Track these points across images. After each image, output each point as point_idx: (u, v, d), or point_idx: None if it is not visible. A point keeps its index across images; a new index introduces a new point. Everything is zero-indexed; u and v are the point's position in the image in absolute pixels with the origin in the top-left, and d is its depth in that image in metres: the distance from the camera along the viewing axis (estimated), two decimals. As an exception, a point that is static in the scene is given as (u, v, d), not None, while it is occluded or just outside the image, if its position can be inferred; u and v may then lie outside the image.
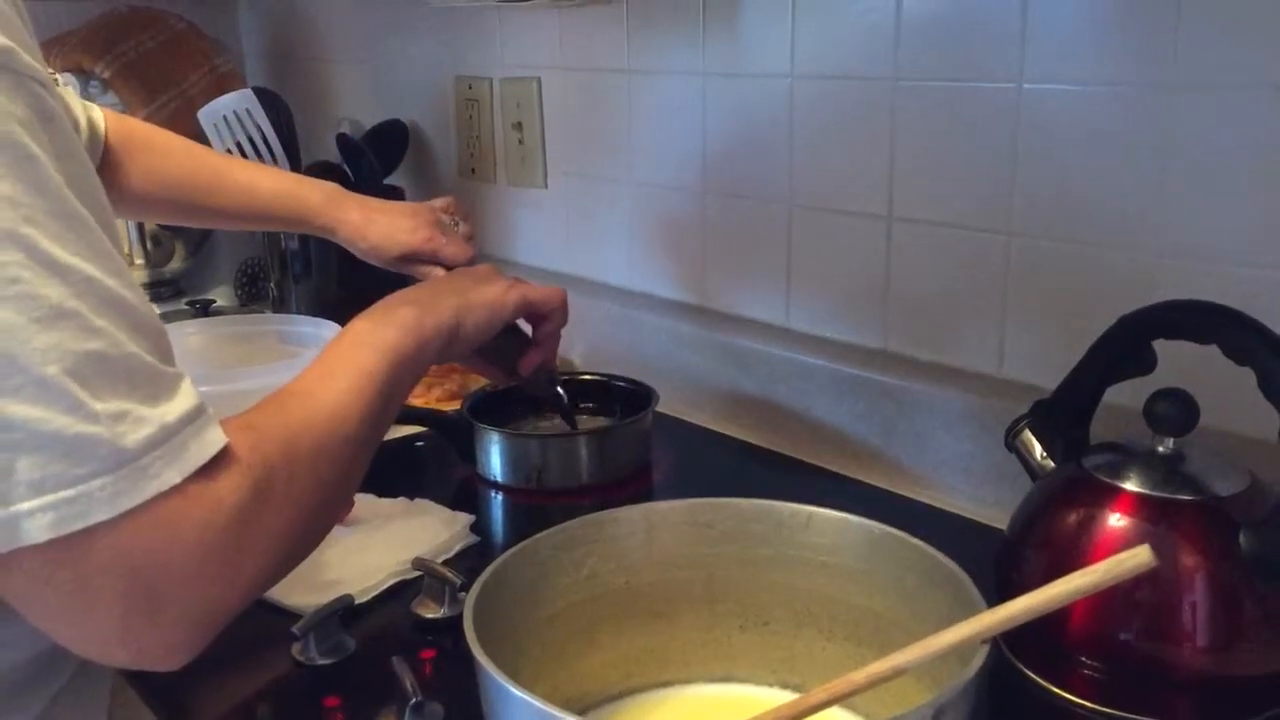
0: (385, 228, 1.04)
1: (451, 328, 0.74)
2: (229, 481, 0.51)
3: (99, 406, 0.47)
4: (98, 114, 0.99)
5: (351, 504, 0.92)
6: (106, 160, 0.99)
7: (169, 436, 0.49)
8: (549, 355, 0.92)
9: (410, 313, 0.71)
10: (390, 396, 0.66)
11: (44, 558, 0.46)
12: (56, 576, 0.47)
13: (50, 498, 0.45)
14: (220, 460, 0.51)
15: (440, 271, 1.05)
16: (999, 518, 0.88)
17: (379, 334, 0.68)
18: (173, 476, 0.48)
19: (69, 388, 0.46)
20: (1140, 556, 0.49)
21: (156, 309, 0.54)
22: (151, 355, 0.50)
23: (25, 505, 0.45)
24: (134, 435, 0.47)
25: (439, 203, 1.10)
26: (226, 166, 1.08)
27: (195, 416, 0.51)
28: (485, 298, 0.79)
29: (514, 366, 0.91)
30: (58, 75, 0.94)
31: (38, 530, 0.45)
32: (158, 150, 1.04)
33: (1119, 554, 0.49)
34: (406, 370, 0.68)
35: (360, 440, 0.62)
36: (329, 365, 0.64)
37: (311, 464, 0.57)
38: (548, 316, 0.88)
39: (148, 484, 0.47)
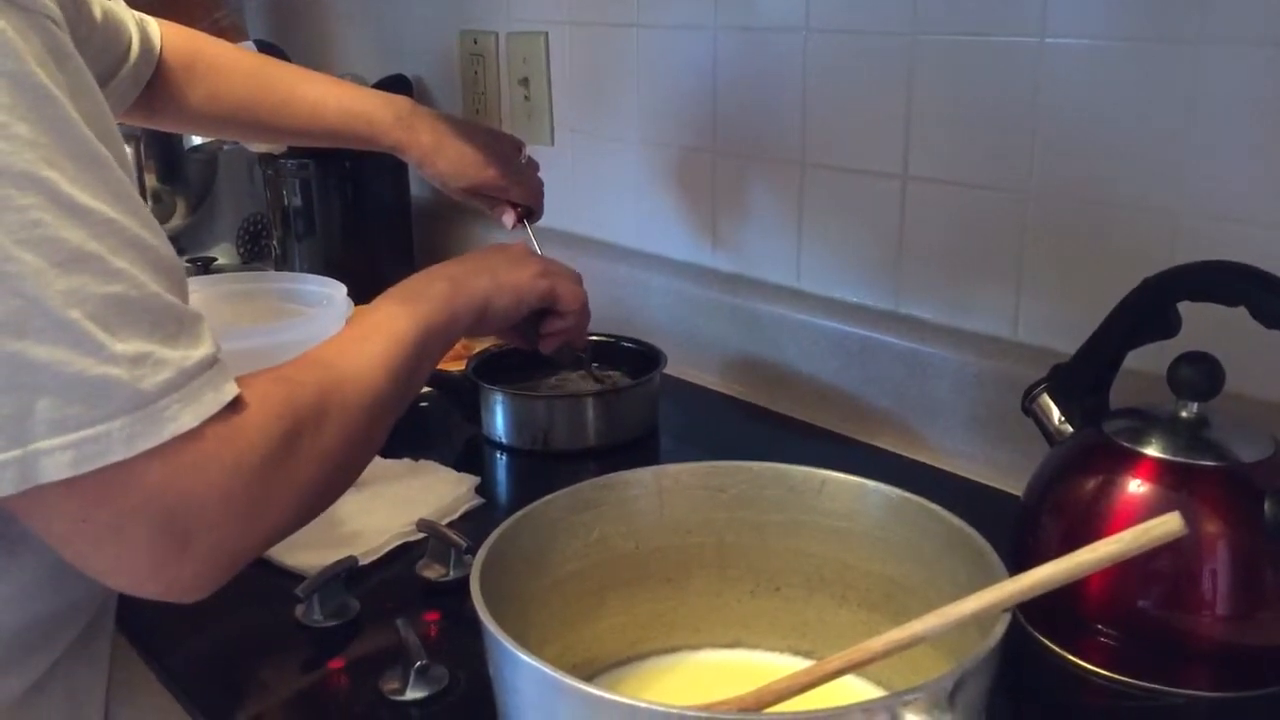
0: (455, 159, 1.01)
1: (481, 308, 0.76)
2: (259, 430, 0.53)
3: (119, 348, 0.48)
4: (153, 29, 0.94)
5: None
6: (165, 77, 0.96)
7: (187, 381, 0.50)
8: (577, 336, 0.90)
9: (444, 289, 0.74)
10: (419, 364, 0.69)
11: (79, 499, 0.48)
12: (93, 516, 0.49)
13: (71, 436, 0.47)
14: (250, 408, 0.53)
15: (507, 209, 1.05)
16: (1014, 484, 0.87)
17: (413, 305, 0.70)
18: (188, 420, 0.50)
19: (90, 330, 0.47)
20: (1170, 524, 0.47)
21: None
22: (172, 294, 0.51)
23: (44, 444, 0.47)
24: (152, 379, 0.49)
25: (519, 140, 1.08)
26: (295, 84, 1.02)
27: (211, 364, 0.52)
28: (514, 282, 0.80)
29: (537, 340, 0.89)
30: None
31: (56, 468, 0.47)
32: (224, 70, 1.00)
33: (1147, 521, 0.48)
34: (436, 342, 0.71)
35: (388, 402, 0.64)
36: (364, 329, 0.68)
37: (341, 420, 0.59)
38: (561, 315, 0.86)
39: (164, 426, 0.49)
